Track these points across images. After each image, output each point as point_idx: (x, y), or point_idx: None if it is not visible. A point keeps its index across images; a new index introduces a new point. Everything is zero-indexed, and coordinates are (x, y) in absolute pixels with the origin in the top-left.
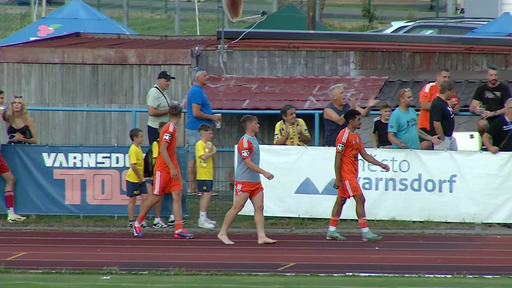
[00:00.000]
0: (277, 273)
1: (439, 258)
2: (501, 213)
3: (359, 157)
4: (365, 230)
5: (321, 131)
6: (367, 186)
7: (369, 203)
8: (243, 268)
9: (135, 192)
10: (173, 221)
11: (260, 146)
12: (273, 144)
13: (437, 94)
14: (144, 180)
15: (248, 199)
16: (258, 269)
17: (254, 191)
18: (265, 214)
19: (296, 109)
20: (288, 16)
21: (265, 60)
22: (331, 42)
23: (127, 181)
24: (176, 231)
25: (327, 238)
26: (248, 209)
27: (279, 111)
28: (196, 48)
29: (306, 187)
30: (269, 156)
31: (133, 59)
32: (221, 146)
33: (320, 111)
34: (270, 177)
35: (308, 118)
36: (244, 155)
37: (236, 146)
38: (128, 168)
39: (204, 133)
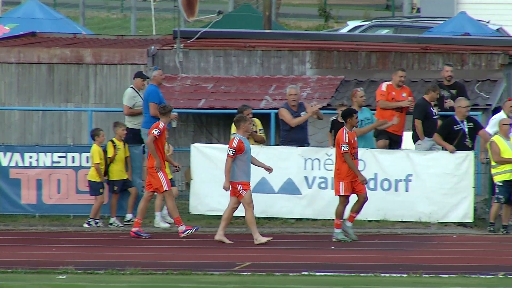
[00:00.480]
0: (233, 273)
1: (395, 258)
2: (457, 212)
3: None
4: (337, 231)
5: (277, 130)
6: (322, 185)
7: (324, 203)
8: (199, 267)
9: (101, 191)
10: (129, 220)
11: (216, 145)
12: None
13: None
14: (103, 181)
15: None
16: (214, 268)
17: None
18: (220, 213)
19: (252, 109)
20: (244, 15)
21: (221, 60)
22: (287, 42)
23: (89, 181)
24: (133, 229)
25: (333, 240)
26: (204, 208)
27: (235, 111)
28: (152, 47)
29: (262, 187)
30: (225, 156)
31: (89, 58)
32: (177, 145)
33: (276, 111)
34: (226, 189)
35: (264, 118)
36: (229, 153)
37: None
38: (85, 167)
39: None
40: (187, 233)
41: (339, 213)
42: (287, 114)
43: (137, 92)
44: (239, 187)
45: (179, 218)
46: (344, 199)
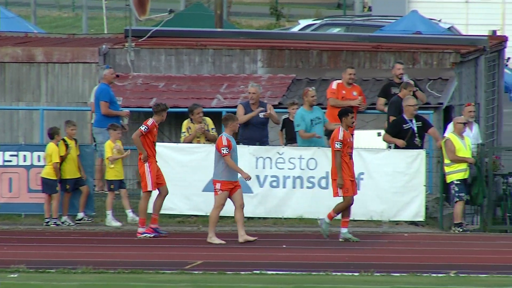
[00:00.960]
0: (185, 271)
1: (347, 256)
2: (409, 211)
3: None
4: (344, 230)
5: None
6: (274, 184)
7: (276, 201)
8: (150, 266)
9: (57, 189)
10: (80, 219)
11: (167, 144)
12: (180, 142)
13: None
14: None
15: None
16: (165, 267)
17: (232, 189)
18: (172, 212)
19: (203, 107)
20: (196, 14)
21: (172, 58)
22: (239, 40)
23: (45, 179)
24: (151, 225)
25: (340, 240)
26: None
27: (186, 109)
28: (104, 46)
29: (213, 186)
30: (176, 154)
31: (40, 57)
32: (128, 144)
33: (227, 109)
34: (247, 178)
35: (216, 116)
36: (224, 152)
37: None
38: (37, 166)
39: (113, 133)
40: (145, 236)
41: (341, 211)
42: (240, 110)
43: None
44: (218, 185)
45: (144, 220)
46: (349, 200)
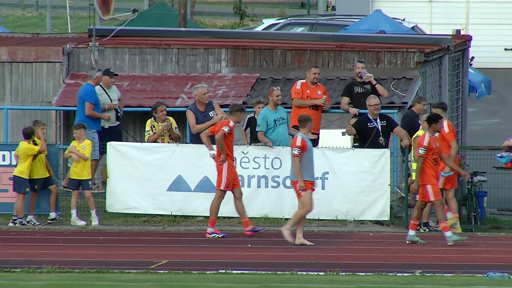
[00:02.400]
0: (150, 271)
1: (312, 256)
2: (374, 210)
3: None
4: (448, 234)
5: None
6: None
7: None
8: (115, 265)
9: (27, 189)
10: (53, 219)
11: (132, 143)
12: (144, 142)
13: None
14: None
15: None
16: (130, 266)
17: (234, 185)
18: (137, 211)
19: (168, 107)
20: (160, 13)
21: (136, 58)
22: (203, 40)
23: (17, 177)
24: (247, 228)
25: (407, 242)
26: (121, 206)
27: (150, 109)
28: (68, 45)
29: (178, 185)
30: (141, 154)
31: (4, 56)
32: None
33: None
34: (302, 188)
35: (180, 116)
36: (295, 153)
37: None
38: (2, 166)
39: (78, 132)
40: (213, 236)
41: (441, 217)
42: (192, 119)
43: (104, 90)
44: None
45: (214, 221)
46: (440, 202)
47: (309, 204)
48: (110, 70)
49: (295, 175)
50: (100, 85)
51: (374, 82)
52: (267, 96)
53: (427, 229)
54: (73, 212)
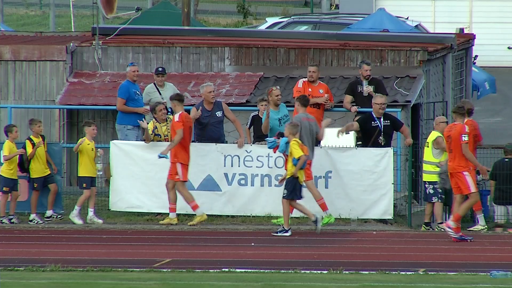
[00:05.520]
0: (153, 269)
1: (315, 254)
2: (377, 209)
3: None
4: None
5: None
6: (242, 182)
7: (244, 199)
8: (119, 264)
9: (4, 189)
10: (49, 217)
11: (135, 142)
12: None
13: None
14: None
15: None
16: (134, 265)
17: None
18: (141, 210)
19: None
20: (163, 12)
21: (140, 56)
22: (206, 38)
23: (1, 176)
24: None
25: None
26: (124, 204)
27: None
28: (71, 44)
29: None
30: (144, 152)
31: (8, 55)
32: (97, 142)
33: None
34: None
35: None
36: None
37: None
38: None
39: (88, 129)
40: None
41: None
42: (194, 113)
43: (157, 88)
44: None
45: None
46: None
47: None
48: (159, 68)
49: None
50: (154, 84)
51: (373, 95)
52: (267, 96)
53: (428, 229)
54: (77, 208)
